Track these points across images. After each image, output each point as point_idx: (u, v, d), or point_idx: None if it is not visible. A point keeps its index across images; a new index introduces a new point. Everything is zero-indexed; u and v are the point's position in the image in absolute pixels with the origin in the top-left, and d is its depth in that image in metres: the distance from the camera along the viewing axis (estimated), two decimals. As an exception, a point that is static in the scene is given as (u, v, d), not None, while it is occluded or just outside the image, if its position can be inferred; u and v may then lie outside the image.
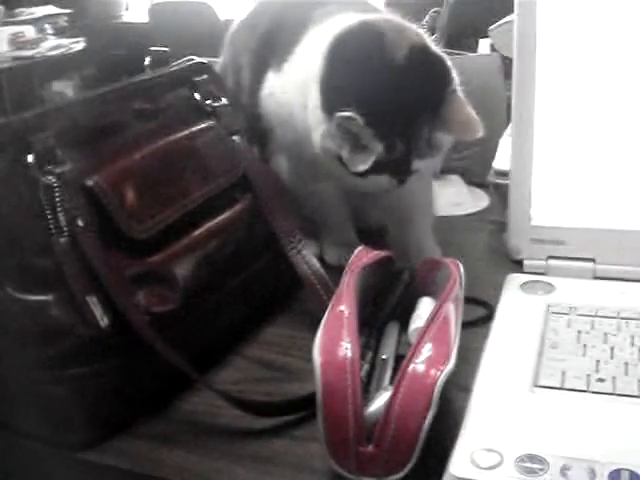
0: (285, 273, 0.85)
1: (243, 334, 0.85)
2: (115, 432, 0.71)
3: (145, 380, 0.73)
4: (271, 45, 0.95)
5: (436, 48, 0.87)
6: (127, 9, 4.20)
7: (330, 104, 0.83)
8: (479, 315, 0.84)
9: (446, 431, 0.64)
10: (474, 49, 1.46)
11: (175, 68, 0.87)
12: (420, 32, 0.88)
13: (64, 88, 3.58)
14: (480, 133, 0.82)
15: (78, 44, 3.62)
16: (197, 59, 0.90)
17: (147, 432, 0.72)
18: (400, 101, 0.81)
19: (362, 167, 0.82)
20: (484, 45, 1.41)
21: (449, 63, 0.86)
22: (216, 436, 0.71)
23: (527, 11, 0.86)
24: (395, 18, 0.89)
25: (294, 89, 0.89)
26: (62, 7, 3.85)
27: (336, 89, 0.84)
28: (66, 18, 3.87)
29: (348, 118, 0.79)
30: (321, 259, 0.94)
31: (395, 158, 0.83)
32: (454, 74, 0.85)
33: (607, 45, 0.85)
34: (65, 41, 3.68)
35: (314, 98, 0.85)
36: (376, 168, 0.83)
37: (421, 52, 0.85)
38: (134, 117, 0.79)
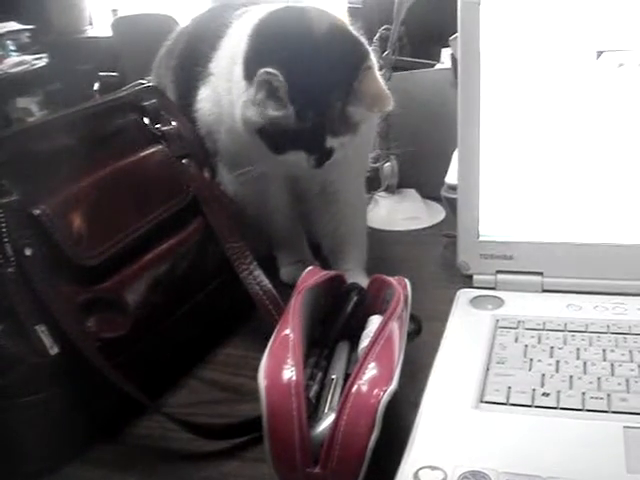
0: (238, 294, 0.86)
1: (197, 356, 0.86)
2: (68, 459, 0.72)
3: (97, 406, 0.73)
4: (192, 59, 0.97)
5: (355, 31, 0.90)
6: (91, 24, 4.18)
7: (251, 71, 0.84)
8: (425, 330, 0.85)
9: (395, 448, 0.64)
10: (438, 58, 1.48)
11: (123, 93, 0.87)
12: (341, 18, 0.91)
13: (29, 104, 3.55)
14: (390, 107, 0.85)
15: (41, 60, 3.60)
16: (146, 83, 0.90)
17: (100, 458, 0.72)
18: (315, 73, 0.84)
19: (273, 112, 0.83)
20: (446, 54, 1.43)
21: (366, 45, 0.89)
22: (168, 460, 0.72)
23: (470, 28, 0.88)
24: (319, 6, 0.92)
25: (222, 79, 0.91)
26: (24, 23, 3.83)
27: (257, 57, 0.85)
28: (28, 34, 3.84)
29: (269, 73, 0.81)
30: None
31: (308, 129, 0.84)
32: (371, 55, 0.88)
33: (552, 60, 0.87)
34: (28, 57, 3.66)
35: (237, 72, 0.87)
36: (291, 141, 0.85)
37: (339, 31, 0.88)
38: (82, 144, 0.79)
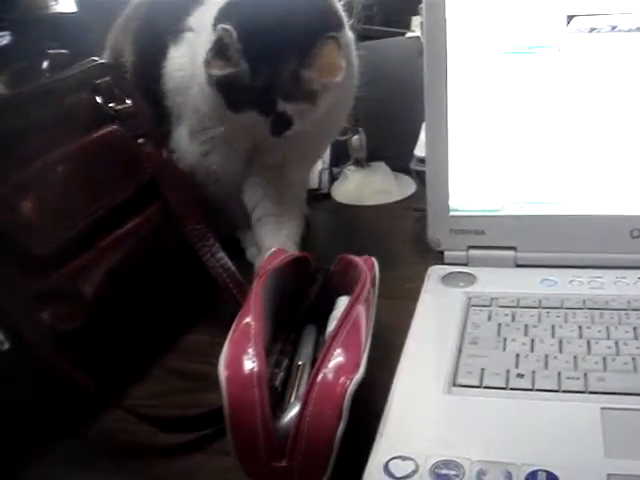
0: (202, 277, 0.83)
1: (162, 344, 0.83)
2: (28, 458, 0.69)
3: (57, 402, 0.70)
4: (161, 17, 0.96)
5: (337, 2, 0.89)
6: (56, 0, 4.11)
7: (217, 21, 0.84)
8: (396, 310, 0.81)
9: (365, 438, 0.62)
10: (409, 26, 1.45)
11: (74, 71, 0.84)
12: None
13: (-6, 84, 3.49)
14: (338, 78, 0.83)
15: (4, 38, 3.54)
16: (99, 60, 0.86)
17: (63, 454, 0.70)
18: (275, 31, 0.83)
19: (216, 72, 0.83)
20: (416, 22, 1.40)
21: (342, 19, 0.88)
22: (132, 454, 0.70)
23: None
24: None
25: (204, 33, 0.88)
26: (-15, 0, 3.76)
27: (226, 9, 0.85)
28: (-10, 12, 3.77)
29: (224, 29, 0.81)
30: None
31: (259, 88, 0.83)
32: (344, 30, 0.87)
33: (522, 26, 0.84)
34: (-10, 36, 3.59)
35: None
36: (245, 99, 0.84)
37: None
38: (31, 126, 0.76)
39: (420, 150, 1.01)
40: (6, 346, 0.65)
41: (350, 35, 0.90)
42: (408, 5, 1.35)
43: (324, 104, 0.86)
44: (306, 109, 0.85)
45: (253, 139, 0.92)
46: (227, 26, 0.81)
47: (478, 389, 0.66)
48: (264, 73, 0.82)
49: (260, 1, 0.84)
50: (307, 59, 0.82)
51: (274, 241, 0.95)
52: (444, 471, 0.56)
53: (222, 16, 0.84)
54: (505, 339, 0.72)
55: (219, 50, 0.82)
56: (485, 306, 0.78)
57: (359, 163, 1.23)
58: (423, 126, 1.01)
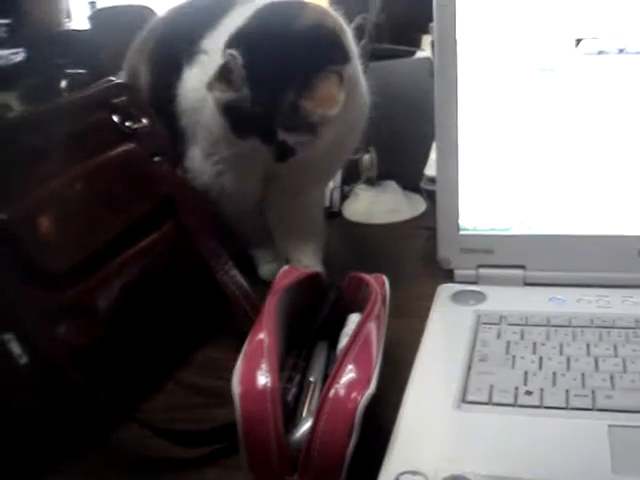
0: (216, 294, 0.84)
1: (176, 359, 0.84)
2: (42, 472, 0.69)
3: (72, 416, 0.71)
4: (177, 39, 0.97)
5: (346, 36, 0.88)
6: (69, 17, 4.12)
7: (226, 46, 0.85)
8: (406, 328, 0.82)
9: (376, 452, 0.63)
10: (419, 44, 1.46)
11: (92, 91, 0.85)
12: (338, 22, 0.89)
13: (9, 99, 3.50)
14: (331, 112, 0.83)
15: (18, 54, 3.55)
16: (115, 80, 0.88)
17: (79, 468, 0.70)
18: (279, 61, 0.83)
19: (218, 95, 0.84)
20: (426, 41, 1.41)
21: (349, 54, 0.87)
22: (146, 468, 0.70)
23: (446, 16, 0.86)
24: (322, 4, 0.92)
25: (217, 56, 0.88)
26: (0, 17, 3.77)
27: (236, 36, 0.86)
28: (5, 29, 3.78)
29: (231, 55, 0.82)
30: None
31: (260, 115, 0.83)
32: (350, 66, 0.87)
33: (531, 48, 0.85)
34: (4, 52, 3.60)
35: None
36: (248, 126, 0.85)
37: (324, 33, 0.86)
38: (50, 144, 0.77)
39: (430, 169, 1.02)
40: (24, 360, 0.66)
41: (358, 67, 0.90)
42: (418, 23, 1.36)
43: (326, 135, 0.86)
44: (307, 140, 0.85)
45: (264, 161, 0.92)
46: (234, 51, 0.82)
47: (487, 405, 0.67)
48: (265, 101, 0.83)
49: (270, 31, 0.85)
50: (306, 91, 0.82)
51: (302, 255, 0.98)
52: (453, 486, 0.57)
53: (232, 42, 0.85)
54: (514, 356, 0.73)
55: (224, 74, 0.83)
56: (494, 324, 0.79)
57: (370, 182, 1.24)
58: (433, 145, 1.02)
